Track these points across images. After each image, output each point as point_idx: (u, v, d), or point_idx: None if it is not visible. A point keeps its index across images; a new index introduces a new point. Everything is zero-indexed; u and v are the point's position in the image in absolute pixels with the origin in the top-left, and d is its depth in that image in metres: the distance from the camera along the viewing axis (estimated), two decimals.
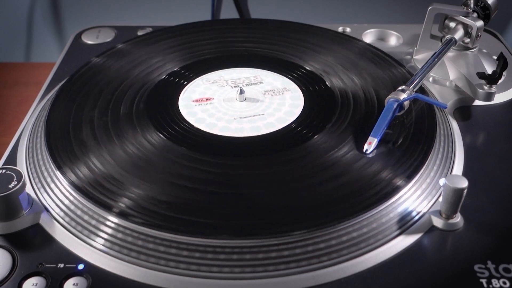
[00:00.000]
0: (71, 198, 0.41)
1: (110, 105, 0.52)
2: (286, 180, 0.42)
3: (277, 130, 0.49)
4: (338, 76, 0.56)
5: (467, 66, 0.56)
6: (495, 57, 0.57)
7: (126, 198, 0.41)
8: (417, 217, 0.41)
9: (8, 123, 0.72)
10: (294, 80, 0.56)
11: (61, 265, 0.38)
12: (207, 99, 0.53)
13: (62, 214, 0.41)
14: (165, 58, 0.60)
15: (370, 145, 0.45)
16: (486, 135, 0.50)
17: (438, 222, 0.40)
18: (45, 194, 0.43)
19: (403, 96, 0.48)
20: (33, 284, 0.36)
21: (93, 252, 0.38)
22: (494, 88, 0.52)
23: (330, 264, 0.37)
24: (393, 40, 0.68)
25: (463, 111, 0.54)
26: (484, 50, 0.60)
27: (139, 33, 0.68)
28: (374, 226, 0.39)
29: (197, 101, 0.53)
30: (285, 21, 0.67)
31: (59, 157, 0.45)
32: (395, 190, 0.41)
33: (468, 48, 0.59)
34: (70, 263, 0.38)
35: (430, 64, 0.53)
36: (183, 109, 0.52)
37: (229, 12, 0.91)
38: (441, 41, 0.59)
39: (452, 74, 0.57)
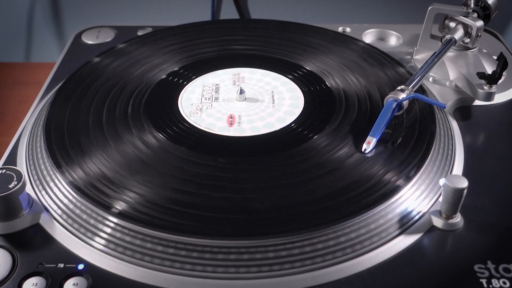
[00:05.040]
0: (71, 198, 0.41)
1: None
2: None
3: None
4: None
5: (467, 66, 0.56)
6: (495, 57, 0.57)
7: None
8: (417, 217, 0.41)
9: (8, 123, 0.72)
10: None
11: (61, 265, 0.38)
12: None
13: (62, 214, 0.41)
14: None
15: (369, 145, 0.45)
16: (486, 135, 0.50)
17: (438, 222, 0.40)
18: (45, 194, 0.43)
19: (402, 95, 0.48)
20: (33, 284, 0.36)
21: (93, 252, 0.38)
22: (494, 88, 0.52)
23: (330, 264, 0.37)
24: (393, 40, 0.68)
25: (463, 111, 0.54)
26: (484, 50, 0.60)
27: (139, 33, 0.68)
28: (373, 226, 0.39)
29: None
30: (285, 21, 0.67)
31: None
32: (395, 190, 0.41)
33: (468, 48, 0.59)
34: (70, 263, 0.38)
35: (430, 64, 0.53)
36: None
37: (229, 12, 0.91)
38: (441, 41, 0.59)
39: (452, 74, 0.57)
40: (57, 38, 0.97)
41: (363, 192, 0.41)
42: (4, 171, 0.40)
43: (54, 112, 0.50)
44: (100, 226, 0.39)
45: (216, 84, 0.56)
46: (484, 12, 0.59)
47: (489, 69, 0.54)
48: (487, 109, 0.54)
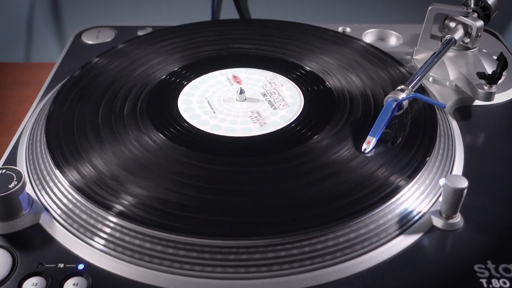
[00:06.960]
0: (71, 198, 0.41)
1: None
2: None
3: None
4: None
5: (467, 66, 0.56)
6: (495, 57, 0.57)
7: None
8: (417, 217, 0.41)
9: (8, 123, 0.72)
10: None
11: (61, 265, 0.38)
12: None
13: (62, 214, 0.41)
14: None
15: (369, 145, 0.45)
16: (486, 135, 0.50)
17: (438, 222, 0.40)
18: (45, 194, 0.43)
19: (402, 95, 0.48)
20: (33, 284, 0.36)
21: (93, 252, 0.38)
22: (494, 88, 0.52)
23: (330, 264, 0.37)
24: (393, 40, 0.68)
25: (463, 111, 0.54)
26: (484, 50, 0.60)
27: (139, 33, 0.68)
28: (373, 226, 0.39)
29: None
30: (285, 21, 0.67)
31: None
32: (395, 190, 0.41)
33: (468, 48, 0.59)
34: (70, 263, 0.38)
35: (430, 64, 0.53)
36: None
37: (229, 12, 0.91)
38: (441, 41, 0.59)
39: (452, 74, 0.57)
40: (57, 38, 0.97)
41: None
42: (4, 171, 0.40)
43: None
44: (100, 226, 0.39)
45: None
46: (484, 12, 0.59)
47: (489, 69, 0.54)
48: (487, 109, 0.54)
